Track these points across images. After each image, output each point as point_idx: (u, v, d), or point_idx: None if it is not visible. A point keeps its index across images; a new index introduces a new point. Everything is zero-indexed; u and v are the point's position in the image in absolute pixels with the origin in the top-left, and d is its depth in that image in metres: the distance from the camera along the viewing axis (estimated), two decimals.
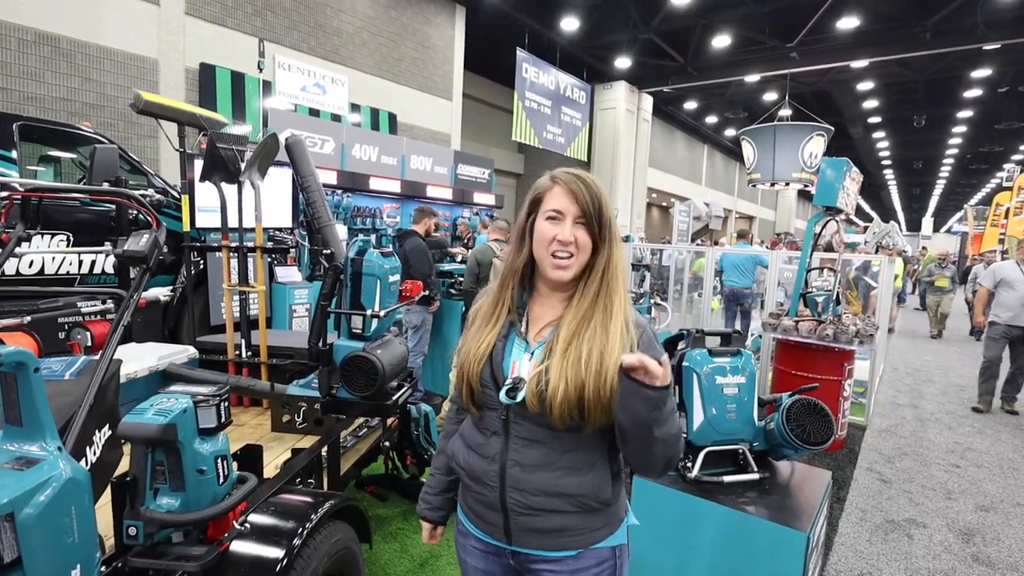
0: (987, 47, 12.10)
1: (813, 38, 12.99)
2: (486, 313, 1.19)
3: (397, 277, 2.62)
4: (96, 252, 3.96)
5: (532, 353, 1.11)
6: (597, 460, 1.12)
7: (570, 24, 12.69)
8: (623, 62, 14.82)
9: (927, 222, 35.05)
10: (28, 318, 2.65)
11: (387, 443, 2.85)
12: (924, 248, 16.48)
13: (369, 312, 2.45)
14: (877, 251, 10.43)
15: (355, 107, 9.98)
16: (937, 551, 3.03)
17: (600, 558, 1.12)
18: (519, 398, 1.07)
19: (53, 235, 3.82)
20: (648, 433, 0.98)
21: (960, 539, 3.17)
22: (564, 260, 1.08)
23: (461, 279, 5.15)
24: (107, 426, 1.58)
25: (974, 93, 16.31)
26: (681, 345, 2.26)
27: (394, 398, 2.52)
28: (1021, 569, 2.89)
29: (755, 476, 2.08)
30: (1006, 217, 21.13)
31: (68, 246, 3.87)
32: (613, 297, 1.09)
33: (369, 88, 10.28)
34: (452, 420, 1.35)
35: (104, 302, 3.02)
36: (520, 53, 12.27)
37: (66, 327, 2.81)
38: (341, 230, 6.39)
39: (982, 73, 14.47)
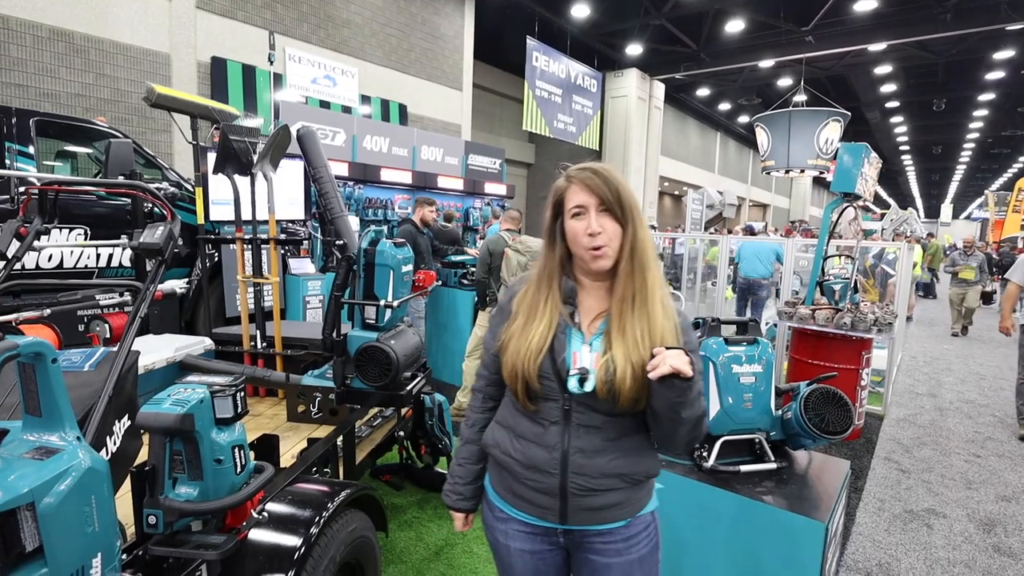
0: (1010, 27, 11.73)
1: (829, 21, 12.70)
2: (528, 308, 1.21)
3: (410, 267, 2.62)
4: (113, 245, 4.01)
5: (591, 344, 1.16)
6: (644, 440, 1.21)
7: (580, 11, 12.53)
8: (634, 49, 14.63)
9: (946, 208, 34.36)
10: (48, 311, 2.69)
11: (401, 432, 2.86)
12: (931, 235, 15.83)
13: (383, 302, 2.45)
14: (894, 238, 10.25)
15: (365, 98, 9.97)
16: (957, 541, 2.99)
17: (645, 523, 1.23)
18: (587, 388, 1.12)
19: (71, 229, 3.87)
20: (677, 415, 1.07)
21: (981, 529, 3.13)
22: (600, 251, 1.13)
23: (473, 269, 5.14)
24: (126, 416, 1.60)
25: (996, 75, 15.88)
26: (697, 334, 2.23)
27: (408, 388, 2.53)
28: None
29: (772, 466, 2.06)
30: None
31: (85, 240, 3.92)
32: (646, 274, 1.14)
33: (379, 79, 10.26)
34: (478, 409, 1.36)
35: (121, 294, 3.06)
36: (530, 42, 12.15)
37: (85, 319, 2.86)
38: (353, 221, 6.41)
39: (1005, 54, 14.07)
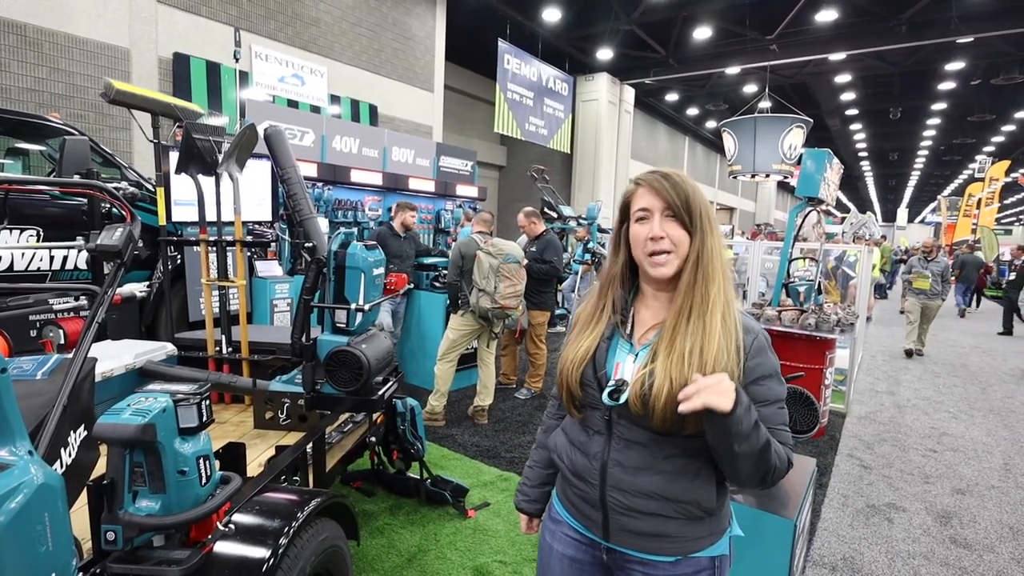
0: (961, 40, 12.31)
1: (792, 31, 13.10)
2: (587, 317, 1.20)
3: (381, 270, 2.58)
4: (68, 247, 3.84)
5: (637, 355, 1.10)
6: (702, 468, 1.09)
7: (552, 15, 12.62)
8: (605, 53, 14.79)
9: (902, 213, 35.82)
10: None
11: (373, 438, 2.81)
12: (883, 237, 16.11)
13: (353, 306, 2.41)
14: (854, 241, 10.58)
15: (335, 98, 9.82)
16: (916, 534, 3.10)
17: (698, 567, 1.11)
18: (622, 400, 1.07)
19: (22, 230, 3.69)
20: (730, 448, 0.98)
21: (938, 522, 3.25)
22: (662, 257, 1.07)
23: (444, 272, 5.10)
24: (82, 427, 1.53)
25: (948, 86, 16.63)
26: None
27: (380, 393, 2.49)
28: (997, 550, 2.97)
29: None
30: (978, 207, 21.75)
31: (38, 241, 3.74)
32: (709, 287, 1.05)
33: (349, 79, 10.11)
34: (552, 416, 1.39)
35: (77, 299, 2.92)
36: (502, 44, 12.16)
37: (37, 325, 2.72)
38: (323, 223, 6.29)
39: (956, 66, 14.75)
